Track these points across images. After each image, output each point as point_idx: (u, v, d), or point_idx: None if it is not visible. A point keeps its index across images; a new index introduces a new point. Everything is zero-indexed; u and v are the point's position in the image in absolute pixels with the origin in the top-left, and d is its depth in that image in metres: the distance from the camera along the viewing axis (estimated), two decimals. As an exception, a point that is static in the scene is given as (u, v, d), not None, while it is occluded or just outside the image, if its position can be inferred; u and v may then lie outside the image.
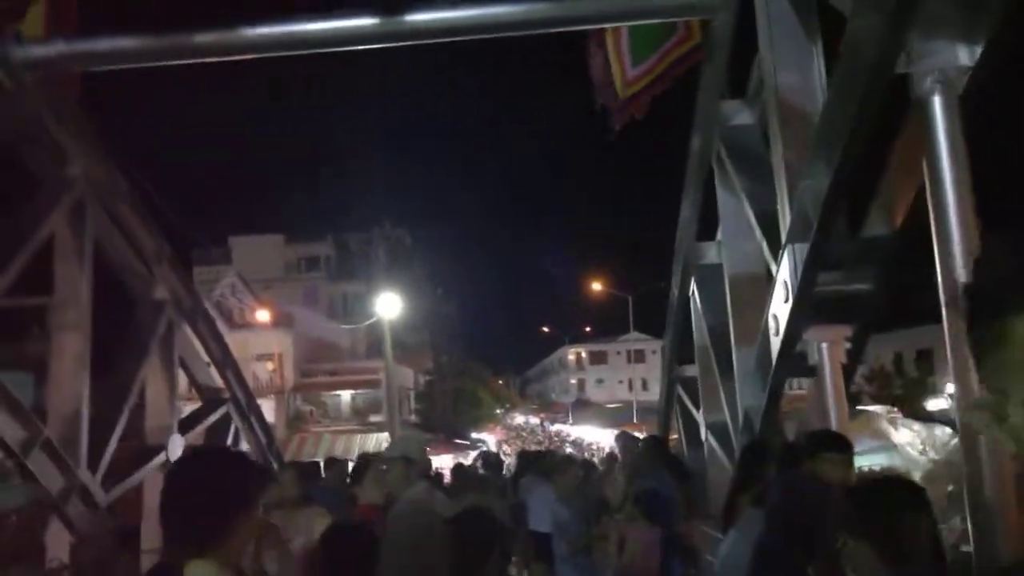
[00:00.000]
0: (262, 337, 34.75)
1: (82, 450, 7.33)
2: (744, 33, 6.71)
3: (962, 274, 3.80)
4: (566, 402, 62.12)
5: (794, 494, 3.23)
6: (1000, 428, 0.98)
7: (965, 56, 3.98)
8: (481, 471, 9.61)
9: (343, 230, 46.54)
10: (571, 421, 50.72)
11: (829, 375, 5.62)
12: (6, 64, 6.88)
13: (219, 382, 10.75)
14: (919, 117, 4.19)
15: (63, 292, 7.85)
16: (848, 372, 6.22)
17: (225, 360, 10.87)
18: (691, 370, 9.59)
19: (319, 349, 38.98)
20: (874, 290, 5.59)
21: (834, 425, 5.41)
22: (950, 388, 24.98)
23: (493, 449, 32.42)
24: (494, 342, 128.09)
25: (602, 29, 7.92)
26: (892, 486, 2.40)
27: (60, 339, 7.83)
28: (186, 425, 9.75)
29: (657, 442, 7.83)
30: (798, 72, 5.69)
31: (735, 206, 7.28)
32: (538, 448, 27.54)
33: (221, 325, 17.25)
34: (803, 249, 5.21)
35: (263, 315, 36.04)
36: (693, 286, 8.90)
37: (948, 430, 8.53)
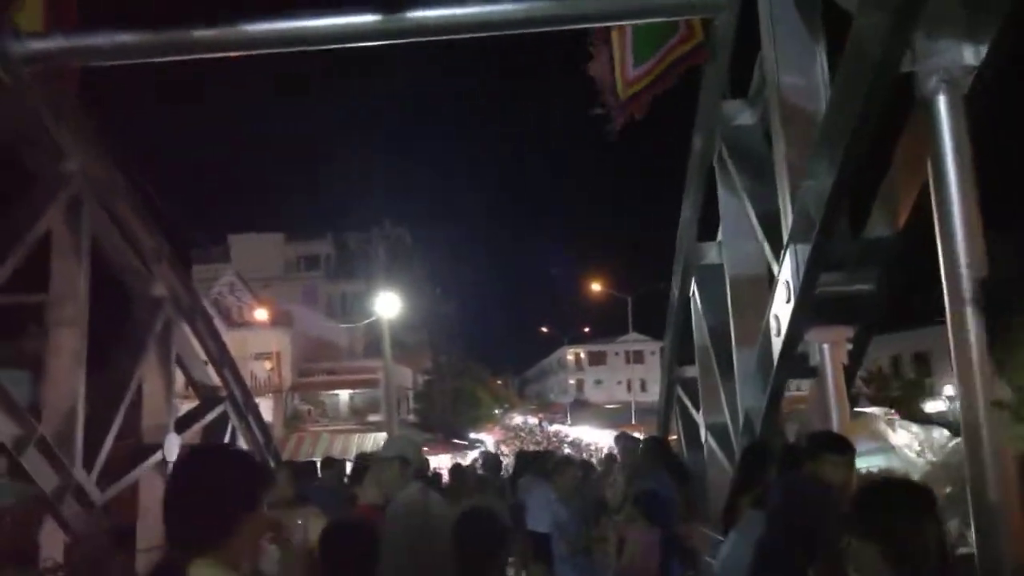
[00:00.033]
0: (260, 336, 34.76)
1: (77, 448, 7.27)
2: (746, 32, 6.69)
3: (966, 275, 3.77)
4: (565, 402, 62.11)
5: (795, 496, 3.20)
6: (1017, 426, 0.95)
7: (970, 55, 3.96)
8: (480, 471, 9.59)
9: (343, 229, 46.70)
10: (569, 422, 50.78)
11: (830, 376, 5.59)
12: (4, 58, 6.82)
13: (217, 381, 10.67)
14: (923, 117, 4.18)
15: (60, 289, 7.80)
16: (849, 373, 6.19)
17: (223, 359, 10.80)
18: (691, 371, 9.55)
19: (318, 348, 38.95)
20: (876, 291, 5.56)
21: (835, 427, 5.38)
22: (948, 390, 25.04)
23: (491, 449, 32.45)
24: (493, 342, 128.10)
25: (607, 27, 7.89)
26: (900, 487, 2.39)
27: (56, 336, 7.76)
28: (183, 424, 9.70)
29: (657, 443, 7.80)
30: (800, 71, 5.66)
31: (736, 206, 7.26)
32: (536, 448, 27.55)
33: (219, 324, 17.24)
34: (805, 249, 5.19)
35: (261, 314, 36.05)
36: (694, 286, 8.88)
37: (946, 432, 8.51)
